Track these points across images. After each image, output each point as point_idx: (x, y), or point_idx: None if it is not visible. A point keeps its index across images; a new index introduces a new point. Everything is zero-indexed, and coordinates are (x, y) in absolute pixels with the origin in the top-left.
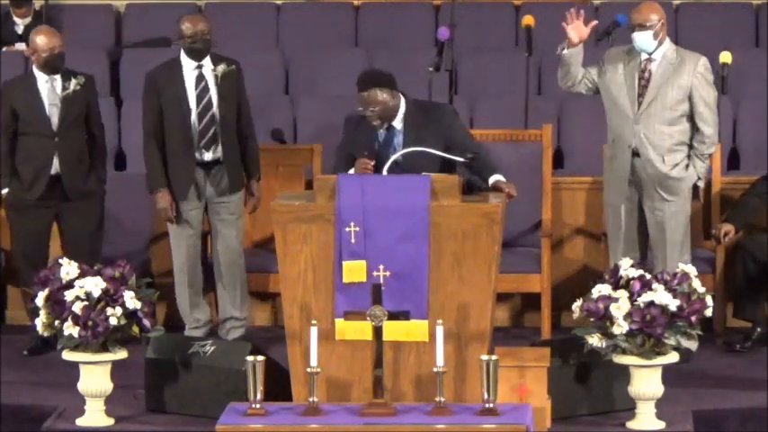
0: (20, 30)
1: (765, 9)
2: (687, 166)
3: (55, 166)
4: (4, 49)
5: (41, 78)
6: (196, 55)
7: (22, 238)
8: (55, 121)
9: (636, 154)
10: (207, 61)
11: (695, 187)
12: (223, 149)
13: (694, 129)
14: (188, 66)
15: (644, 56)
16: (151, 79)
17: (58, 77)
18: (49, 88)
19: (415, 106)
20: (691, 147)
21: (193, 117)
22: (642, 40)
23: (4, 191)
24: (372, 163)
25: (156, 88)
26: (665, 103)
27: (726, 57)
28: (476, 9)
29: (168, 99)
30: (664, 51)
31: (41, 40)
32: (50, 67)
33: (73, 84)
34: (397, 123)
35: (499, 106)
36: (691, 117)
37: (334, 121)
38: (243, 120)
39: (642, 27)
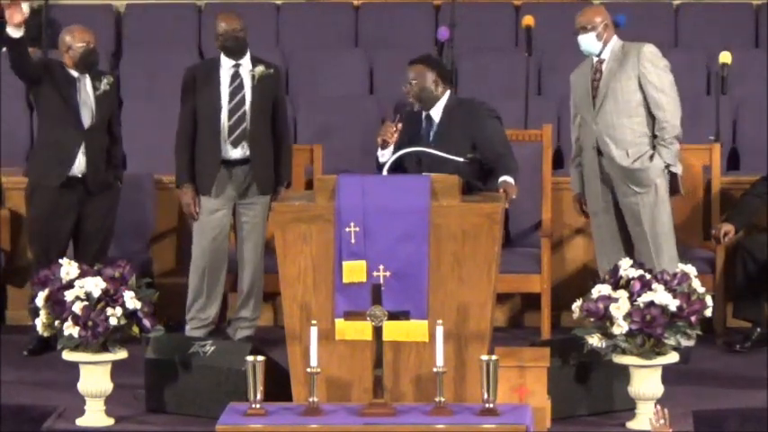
0: None
1: (765, 9)
2: (651, 156)
3: (81, 166)
4: (3, 49)
5: (73, 75)
6: (231, 53)
7: (43, 233)
8: (87, 121)
9: (600, 153)
10: (246, 62)
11: (672, 176)
12: (251, 149)
13: (652, 117)
14: (226, 64)
15: (594, 60)
16: (189, 75)
17: (87, 76)
18: (81, 86)
19: (456, 102)
20: (654, 137)
21: (224, 113)
22: (586, 42)
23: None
24: (394, 129)
25: (193, 84)
26: (616, 97)
27: (726, 57)
28: (476, 9)
29: (202, 95)
30: (611, 49)
31: (74, 36)
32: (86, 62)
33: (104, 84)
34: (436, 115)
35: (499, 106)
36: (648, 107)
37: (335, 121)
38: (279, 124)
39: (585, 30)
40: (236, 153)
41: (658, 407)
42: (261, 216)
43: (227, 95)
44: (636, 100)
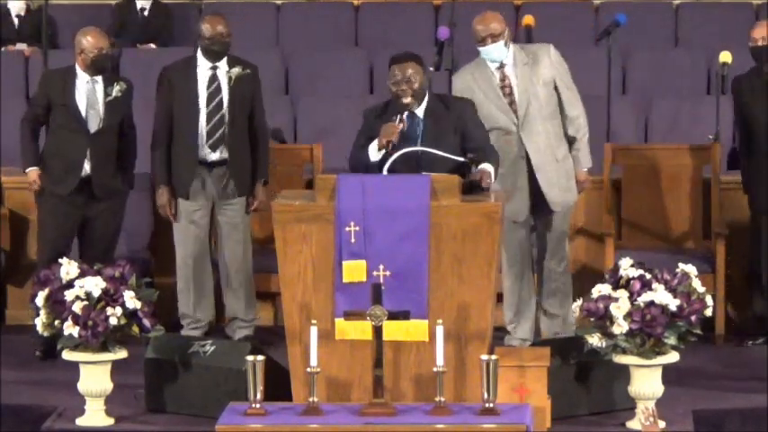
0: (16, 23)
1: (765, 9)
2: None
3: (86, 168)
4: (3, 49)
5: (82, 78)
6: (212, 56)
7: (51, 234)
8: (94, 125)
9: (529, 161)
10: (223, 63)
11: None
12: (229, 151)
13: (564, 115)
14: (203, 65)
15: (494, 65)
16: (165, 75)
17: (99, 80)
18: (90, 90)
19: (437, 98)
20: (567, 138)
21: (202, 117)
22: (497, 50)
23: (30, 169)
24: (400, 127)
25: (169, 84)
26: (540, 103)
27: (726, 57)
28: (476, 9)
29: (179, 96)
30: (511, 55)
31: (88, 41)
32: (97, 67)
33: (116, 90)
34: (420, 112)
35: None
36: (559, 107)
37: (335, 121)
38: (256, 123)
39: (495, 38)
40: (214, 156)
41: (645, 406)
42: (240, 215)
43: (204, 98)
44: (554, 102)
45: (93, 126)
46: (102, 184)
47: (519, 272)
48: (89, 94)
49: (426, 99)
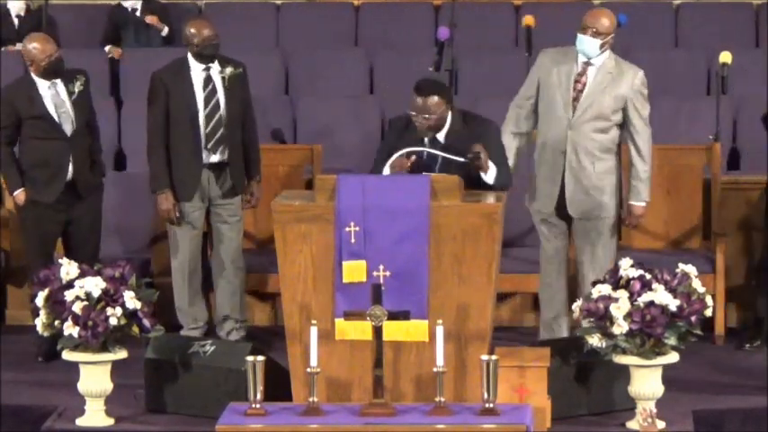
0: (16, 23)
1: (765, 9)
2: (619, 187)
3: (70, 171)
4: (3, 49)
5: (43, 85)
6: (204, 59)
7: (37, 239)
8: (68, 127)
9: (566, 158)
10: (214, 63)
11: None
12: (229, 152)
13: (630, 142)
14: (196, 67)
15: (582, 59)
16: (158, 79)
17: (59, 81)
18: (54, 94)
19: (461, 119)
20: (618, 154)
21: (201, 119)
22: (589, 45)
23: (17, 192)
24: (408, 164)
25: (164, 88)
26: (600, 112)
27: (726, 57)
28: (476, 9)
29: (176, 100)
30: (603, 59)
31: (36, 48)
32: (51, 72)
33: (77, 86)
34: (440, 136)
35: (499, 106)
36: (620, 126)
37: (334, 121)
38: (247, 122)
39: (595, 34)
40: (215, 157)
41: (643, 407)
42: (238, 215)
43: (202, 100)
44: (615, 119)
45: (69, 129)
46: (85, 182)
47: (553, 274)
48: (54, 99)
49: (449, 120)
